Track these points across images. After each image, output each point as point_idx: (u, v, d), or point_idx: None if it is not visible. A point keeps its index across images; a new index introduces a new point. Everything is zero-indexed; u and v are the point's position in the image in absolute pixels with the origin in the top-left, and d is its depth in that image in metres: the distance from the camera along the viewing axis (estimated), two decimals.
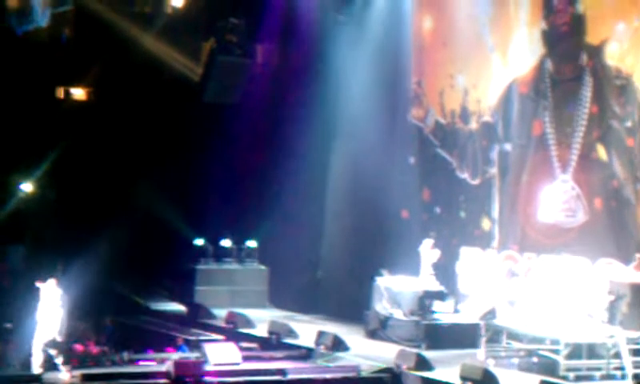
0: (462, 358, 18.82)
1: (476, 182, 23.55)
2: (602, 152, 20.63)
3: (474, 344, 19.75)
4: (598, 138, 20.70)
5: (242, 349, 19.95)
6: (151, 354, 20.53)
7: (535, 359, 19.08)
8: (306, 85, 26.13)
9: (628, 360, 17.66)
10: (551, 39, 21.91)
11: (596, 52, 20.79)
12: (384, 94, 24.96)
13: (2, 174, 27.75)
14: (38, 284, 17.83)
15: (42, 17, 26.71)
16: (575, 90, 21.13)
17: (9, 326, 20.53)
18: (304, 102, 25.98)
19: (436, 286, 21.64)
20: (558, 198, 21.30)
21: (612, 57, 20.47)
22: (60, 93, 28.55)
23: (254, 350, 20.94)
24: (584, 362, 17.98)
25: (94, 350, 20.93)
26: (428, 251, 22.07)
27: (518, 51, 22.57)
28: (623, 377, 17.65)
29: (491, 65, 23.20)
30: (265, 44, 27.93)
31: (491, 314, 19.72)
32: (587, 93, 20.90)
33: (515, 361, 19.28)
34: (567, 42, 21.65)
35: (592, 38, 20.93)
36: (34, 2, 27.16)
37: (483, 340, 19.50)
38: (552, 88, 21.76)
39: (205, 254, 27.34)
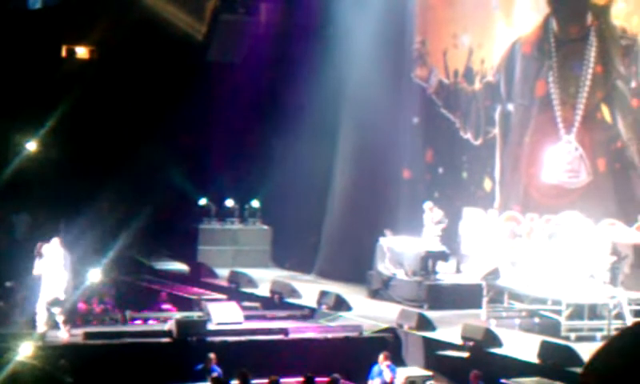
0: (464, 318, 18.85)
1: (479, 142, 23.48)
2: (606, 113, 20.55)
3: (475, 304, 19.75)
4: (602, 98, 20.62)
5: (245, 308, 20.00)
6: (154, 313, 20.59)
7: (537, 320, 19.14)
8: (310, 44, 25.97)
9: (630, 320, 17.66)
10: None
11: (601, 12, 20.65)
12: (388, 53, 24.79)
13: (5, 134, 27.75)
14: (41, 244, 17.80)
15: None
16: (580, 49, 21.01)
17: (10, 285, 20.65)
18: (308, 61, 25.83)
19: (438, 246, 21.64)
20: (561, 159, 21.24)
21: (617, 17, 20.35)
22: (64, 52, 28.45)
23: (256, 310, 20.98)
24: (585, 323, 18.03)
25: (97, 308, 21.03)
26: (429, 213, 22.05)
27: (522, 10, 22.42)
28: None
29: (495, 24, 23.07)
30: (268, 2, 27.77)
31: (493, 274, 19.72)
32: (592, 53, 20.79)
33: (517, 321, 19.34)
34: (572, 2, 21.50)
35: None
36: None
37: (485, 300, 19.53)
38: (556, 48, 21.63)
39: (208, 214, 27.34)
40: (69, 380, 14.80)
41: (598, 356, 2.72)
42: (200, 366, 16.54)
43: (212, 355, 16.57)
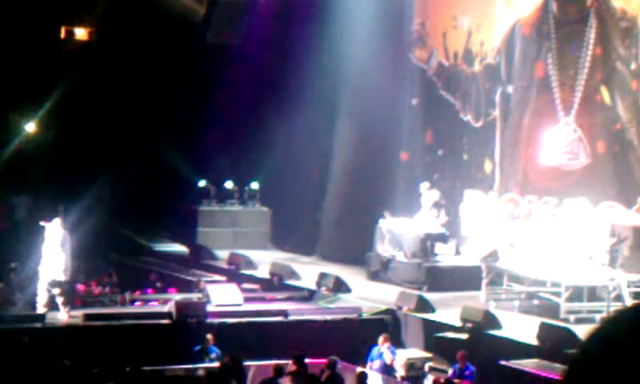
0: (463, 299, 18.87)
1: (479, 124, 23.45)
2: (605, 94, 20.52)
3: (475, 286, 19.76)
4: (601, 80, 20.58)
5: (244, 290, 20.02)
6: (153, 295, 20.61)
7: (536, 302, 19.16)
8: (309, 24, 25.90)
9: (629, 303, 17.68)
10: None
11: None
12: (388, 35, 24.73)
13: (5, 115, 27.72)
14: (43, 223, 17.82)
15: None
16: (579, 31, 20.96)
17: (13, 266, 20.67)
18: (307, 41, 25.78)
19: (438, 228, 21.63)
20: (560, 141, 21.22)
21: None
22: (63, 33, 28.39)
23: (255, 292, 21.00)
24: (585, 305, 18.05)
25: (97, 290, 21.05)
26: (425, 193, 22.03)
27: None
28: None
29: (495, 6, 23.00)
30: None
31: (493, 256, 19.72)
32: (591, 34, 20.73)
33: (516, 303, 19.36)
34: None
35: None
36: None
37: (484, 282, 19.54)
38: (556, 29, 21.58)
39: (207, 196, 27.32)
40: (66, 362, 14.81)
41: (586, 344, 2.71)
42: (198, 347, 16.58)
43: (210, 336, 16.62)
